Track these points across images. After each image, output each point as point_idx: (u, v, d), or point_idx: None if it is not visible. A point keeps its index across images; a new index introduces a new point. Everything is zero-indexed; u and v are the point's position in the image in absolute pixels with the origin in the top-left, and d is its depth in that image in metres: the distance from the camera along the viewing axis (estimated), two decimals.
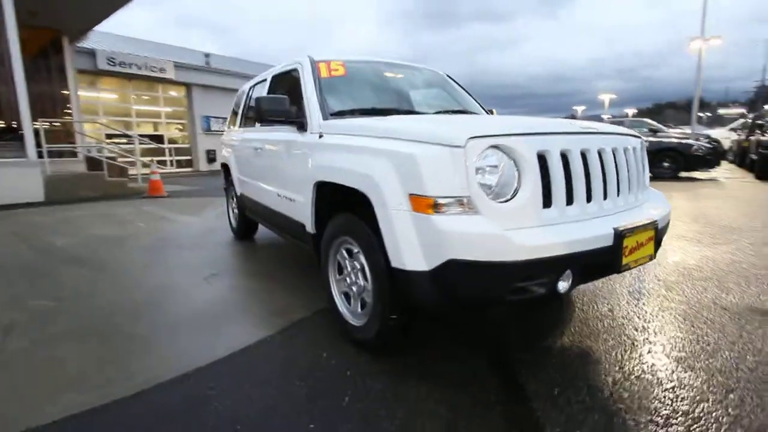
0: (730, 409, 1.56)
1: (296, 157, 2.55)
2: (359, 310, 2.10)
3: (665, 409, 1.57)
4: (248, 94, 4.05)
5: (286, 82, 3.07)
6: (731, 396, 1.65)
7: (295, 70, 2.86)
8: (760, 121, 11.06)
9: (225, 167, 4.60)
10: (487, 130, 1.61)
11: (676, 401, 1.62)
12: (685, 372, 1.83)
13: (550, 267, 1.54)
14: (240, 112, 4.16)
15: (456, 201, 1.55)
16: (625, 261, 1.75)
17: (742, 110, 39.50)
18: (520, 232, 1.54)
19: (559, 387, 1.73)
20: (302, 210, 2.54)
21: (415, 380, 1.82)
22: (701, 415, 1.54)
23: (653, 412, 1.56)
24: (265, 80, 3.51)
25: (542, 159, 1.65)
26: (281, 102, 2.51)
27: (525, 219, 1.60)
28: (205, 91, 17.49)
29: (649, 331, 2.22)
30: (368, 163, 1.80)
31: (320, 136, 2.31)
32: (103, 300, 2.82)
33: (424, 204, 1.57)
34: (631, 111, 55.11)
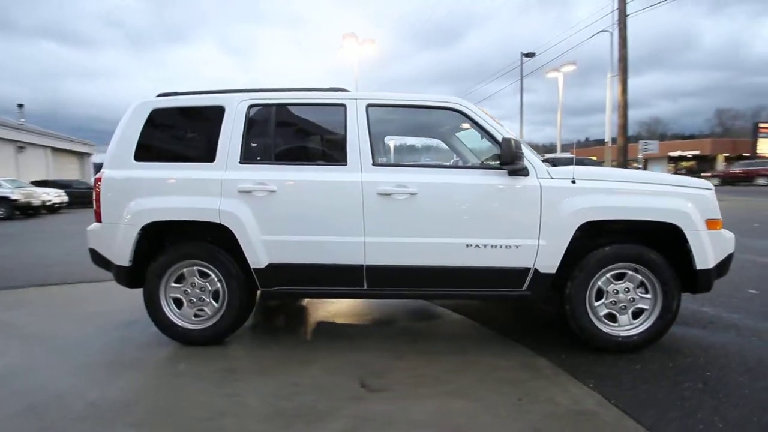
0: None
1: (527, 202, 2.52)
2: (631, 321, 2.60)
3: None
4: (247, 117, 2.73)
5: (428, 119, 2.76)
6: None
7: (454, 109, 2.68)
8: None
9: (150, 228, 2.71)
10: None
11: None
12: None
13: None
14: (238, 141, 2.69)
15: (721, 221, 2.62)
16: None
17: None
18: None
19: None
20: (531, 255, 2.54)
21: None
22: None
23: None
24: (339, 105, 2.69)
25: None
26: (522, 146, 2.45)
27: None
28: None
29: None
30: (675, 202, 2.48)
31: (573, 182, 2.53)
32: None
33: (717, 224, 2.53)
34: None
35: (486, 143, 2.91)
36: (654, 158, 34.43)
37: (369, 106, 2.71)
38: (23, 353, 2.75)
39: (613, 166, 20.92)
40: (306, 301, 3.76)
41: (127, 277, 2.77)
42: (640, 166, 20.48)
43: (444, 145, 3.82)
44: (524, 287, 2.60)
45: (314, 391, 2.19)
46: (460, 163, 3.61)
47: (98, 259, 2.86)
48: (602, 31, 16.77)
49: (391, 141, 3.18)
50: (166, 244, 2.90)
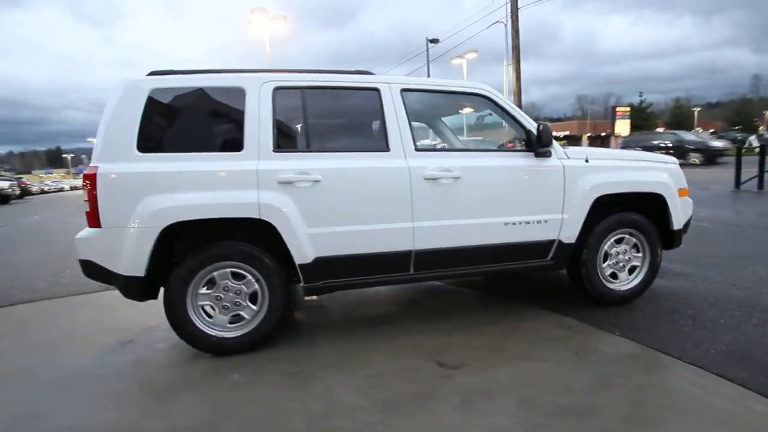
0: None
1: (553, 180, 2.81)
2: (628, 277, 3.10)
3: None
4: (274, 100, 2.53)
5: (452, 102, 2.87)
6: None
7: (482, 95, 2.84)
8: None
9: (167, 230, 2.39)
10: None
11: None
12: None
13: None
14: (269, 127, 2.47)
15: (687, 189, 3.23)
16: None
17: None
18: None
19: None
20: (556, 228, 2.85)
21: None
22: None
23: None
24: (373, 90, 2.64)
25: None
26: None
27: None
28: None
29: None
30: (659, 175, 3.00)
31: (587, 161, 2.88)
32: None
33: (685, 192, 3.14)
34: None
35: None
36: None
37: (403, 90, 2.70)
38: (16, 393, 2.22)
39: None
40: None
41: (141, 288, 2.39)
42: None
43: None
44: (549, 257, 2.92)
45: (400, 376, 2.22)
46: (447, 147, 3.81)
47: (96, 271, 2.41)
48: (497, 22, 18.21)
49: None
50: (175, 248, 2.57)
